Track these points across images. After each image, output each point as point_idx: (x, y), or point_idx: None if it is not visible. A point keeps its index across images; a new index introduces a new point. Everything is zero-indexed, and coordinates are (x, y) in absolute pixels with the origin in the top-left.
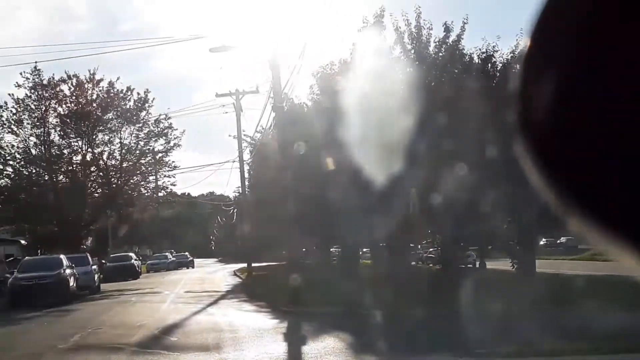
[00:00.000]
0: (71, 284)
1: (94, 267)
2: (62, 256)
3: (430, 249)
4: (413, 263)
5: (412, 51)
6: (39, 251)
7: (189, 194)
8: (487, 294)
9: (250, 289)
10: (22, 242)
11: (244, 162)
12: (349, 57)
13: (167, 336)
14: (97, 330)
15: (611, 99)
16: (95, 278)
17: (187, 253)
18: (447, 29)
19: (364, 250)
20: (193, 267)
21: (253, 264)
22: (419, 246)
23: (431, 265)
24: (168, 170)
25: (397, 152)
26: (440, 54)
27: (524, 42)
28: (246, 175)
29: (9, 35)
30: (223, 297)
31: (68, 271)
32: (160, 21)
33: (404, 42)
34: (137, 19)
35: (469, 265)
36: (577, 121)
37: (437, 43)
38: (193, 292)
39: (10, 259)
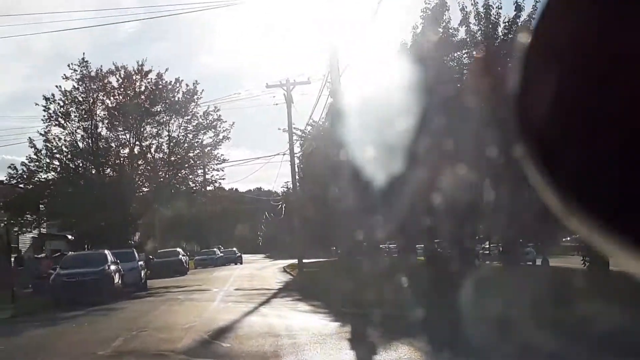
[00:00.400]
0: (116, 280)
1: (141, 263)
2: (106, 251)
3: (486, 245)
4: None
5: (479, 32)
6: (85, 246)
7: (236, 189)
8: (568, 293)
9: (302, 287)
10: (69, 237)
11: (294, 156)
12: (410, 40)
13: (218, 341)
14: (141, 332)
15: (613, 99)
16: (142, 274)
17: (235, 249)
18: (518, 8)
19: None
20: (241, 263)
21: (303, 260)
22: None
23: (487, 262)
24: (216, 164)
25: (465, 144)
26: (510, 35)
27: (524, 40)
28: (296, 169)
29: (59, 32)
30: (275, 296)
31: (113, 267)
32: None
33: (470, 23)
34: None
35: (528, 263)
36: (577, 121)
37: (507, 23)
38: (243, 290)
39: (56, 254)
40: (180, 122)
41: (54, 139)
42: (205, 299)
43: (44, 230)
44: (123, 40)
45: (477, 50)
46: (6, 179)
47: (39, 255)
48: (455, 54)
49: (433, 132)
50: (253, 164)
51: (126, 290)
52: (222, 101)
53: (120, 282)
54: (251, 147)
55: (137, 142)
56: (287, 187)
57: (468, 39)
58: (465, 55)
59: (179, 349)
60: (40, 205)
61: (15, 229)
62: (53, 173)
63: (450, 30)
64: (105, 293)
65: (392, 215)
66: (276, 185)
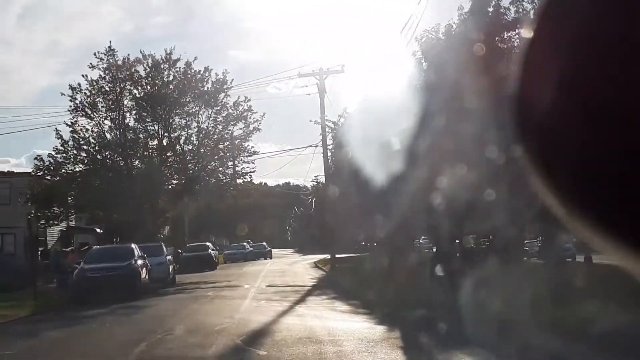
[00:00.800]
0: (143, 276)
1: (169, 257)
2: (133, 245)
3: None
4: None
5: (532, 11)
6: (114, 240)
7: (265, 183)
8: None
9: (337, 284)
10: (98, 230)
11: (327, 148)
12: (457, 20)
13: (253, 348)
14: (167, 336)
15: (614, 99)
16: (170, 269)
17: (264, 243)
18: None
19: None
20: (271, 257)
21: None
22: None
23: (525, 258)
24: (247, 156)
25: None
26: None
27: (524, 40)
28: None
29: (90, 30)
30: (310, 293)
31: (140, 262)
32: (240, 12)
33: (523, 1)
34: (215, 11)
35: (568, 260)
36: (577, 121)
37: None
38: (275, 287)
39: (84, 248)
40: (210, 112)
41: (80, 130)
42: (237, 297)
43: (72, 224)
44: (153, 36)
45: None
46: (33, 171)
47: (67, 249)
48: (506, 35)
49: (482, 115)
50: (282, 156)
51: (153, 286)
52: (249, 88)
53: (147, 277)
54: (278, 141)
55: (165, 134)
56: (317, 181)
57: (520, 18)
58: (517, 36)
59: (209, 357)
60: (68, 198)
61: (42, 221)
62: (80, 165)
63: (501, 10)
64: (132, 289)
65: (429, 210)
66: (306, 179)
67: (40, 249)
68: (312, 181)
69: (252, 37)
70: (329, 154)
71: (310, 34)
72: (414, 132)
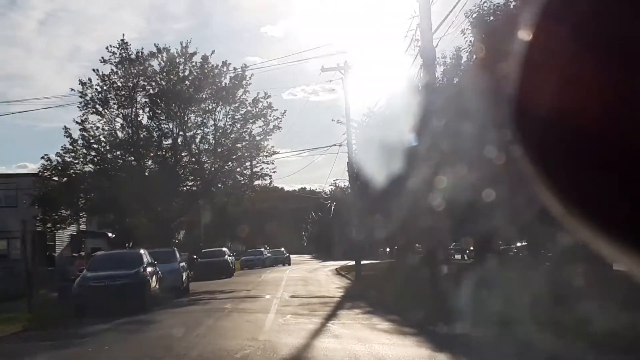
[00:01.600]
0: (153, 285)
1: (182, 264)
2: (142, 251)
3: None
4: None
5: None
6: (126, 245)
7: (282, 188)
8: None
9: (369, 295)
10: (110, 235)
11: (352, 146)
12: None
13: None
14: None
15: (613, 100)
16: (184, 277)
17: (283, 249)
18: None
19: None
20: (289, 263)
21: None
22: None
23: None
24: (266, 156)
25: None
26: None
27: (523, 42)
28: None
29: (108, 35)
30: (340, 306)
31: (149, 269)
32: (258, 18)
33: None
34: (231, 17)
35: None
36: (577, 122)
37: None
38: (300, 298)
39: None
40: (227, 110)
41: (91, 127)
42: (258, 310)
43: (82, 227)
44: (170, 41)
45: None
46: (40, 171)
47: (75, 255)
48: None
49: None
50: (299, 161)
51: (165, 296)
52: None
53: (157, 286)
54: (297, 145)
55: (180, 132)
56: (336, 186)
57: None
58: None
59: None
60: (77, 200)
61: (49, 225)
62: (90, 165)
63: None
64: (139, 301)
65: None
66: (323, 184)
67: (47, 253)
68: (331, 185)
69: (270, 43)
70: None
71: (328, 40)
72: (451, 130)
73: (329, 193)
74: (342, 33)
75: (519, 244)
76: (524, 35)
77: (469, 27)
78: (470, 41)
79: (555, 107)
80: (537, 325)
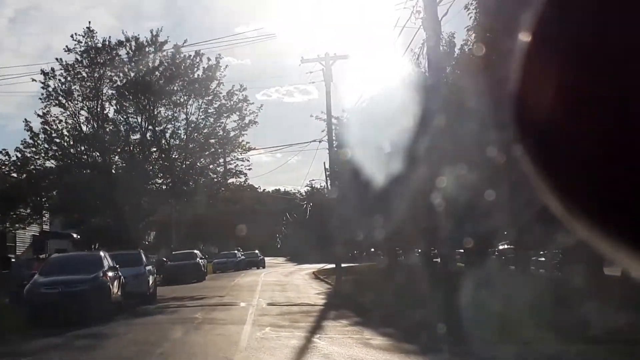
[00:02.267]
0: (114, 291)
1: (149, 267)
2: (102, 253)
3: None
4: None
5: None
6: (93, 246)
7: (258, 187)
8: None
9: (353, 302)
10: (75, 235)
11: (333, 143)
12: None
13: None
14: None
15: (613, 99)
16: (150, 282)
17: (257, 251)
18: None
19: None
20: (264, 266)
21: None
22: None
23: (542, 270)
24: (241, 152)
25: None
26: None
27: (523, 39)
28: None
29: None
30: (324, 316)
31: (110, 274)
32: (232, 18)
33: None
34: (205, 16)
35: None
36: (578, 121)
37: None
38: (279, 305)
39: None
40: (200, 103)
41: (53, 121)
42: (233, 321)
43: (46, 228)
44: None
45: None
46: None
47: (37, 257)
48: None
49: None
50: (275, 158)
51: (128, 303)
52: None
53: (119, 292)
54: (271, 149)
55: (149, 127)
56: (312, 186)
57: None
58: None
59: None
60: (38, 198)
61: (7, 224)
62: (52, 160)
63: None
64: (98, 309)
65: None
66: (301, 186)
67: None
68: (307, 186)
69: (245, 43)
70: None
71: (305, 41)
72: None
73: (304, 194)
74: (319, 33)
75: (501, 247)
76: (525, 35)
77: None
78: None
79: (558, 106)
80: (563, 343)
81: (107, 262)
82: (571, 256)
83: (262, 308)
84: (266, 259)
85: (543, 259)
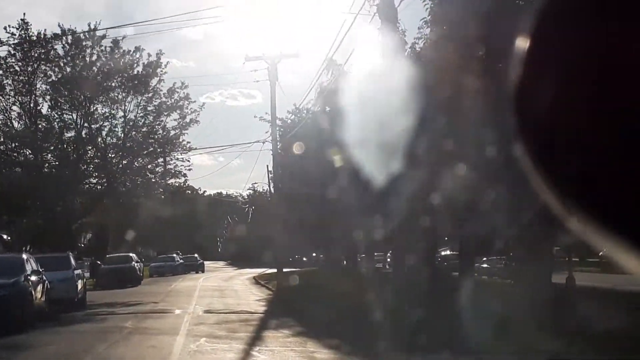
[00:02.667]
0: (37, 296)
1: (78, 271)
2: (24, 256)
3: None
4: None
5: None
6: (24, 248)
7: (199, 189)
8: None
9: (296, 309)
10: (5, 237)
11: (277, 144)
12: None
13: None
14: None
15: (612, 99)
16: (79, 287)
17: (196, 255)
18: None
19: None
20: (203, 271)
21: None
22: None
23: (496, 278)
24: (181, 152)
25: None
26: None
27: (523, 42)
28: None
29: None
30: (265, 325)
31: (33, 278)
32: (176, 20)
33: None
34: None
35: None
36: (577, 121)
37: None
38: (216, 313)
39: None
40: (139, 100)
41: None
42: (165, 330)
43: None
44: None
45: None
46: None
47: None
48: None
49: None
50: (217, 161)
51: (54, 310)
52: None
53: (43, 298)
54: (213, 153)
55: (85, 124)
56: (254, 189)
57: None
58: None
59: None
60: None
61: None
62: None
63: None
64: (18, 317)
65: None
66: (242, 189)
67: None
68: (250, 189)
69: (188, 45)
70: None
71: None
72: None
73: (246, 197)
74: (267, 35)
75: (444, 252)
76: (523, 38)
77: None
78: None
79: (556, 104)
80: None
81: (30, 265)
82: (519, 263)
83: (199, 316)
84: (206, 263)
85: (486, 265)
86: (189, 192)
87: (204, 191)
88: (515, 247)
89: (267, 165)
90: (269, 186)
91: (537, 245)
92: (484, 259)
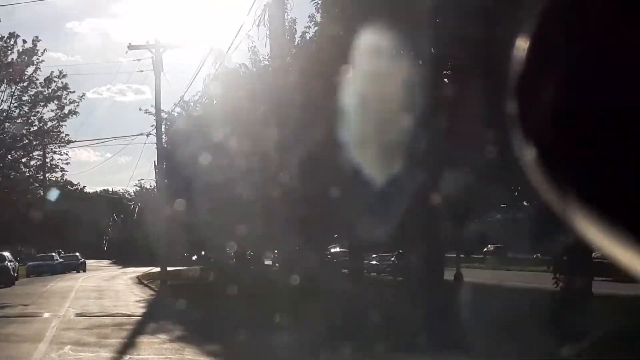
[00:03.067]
0: None
1: None
2: None
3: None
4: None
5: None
6: None
7: (84, 187)
8: None
9: (177, 311)
10: None
11: (162, 138)
12: None
13: None
14: None
15: (612, 97)
16: None
17: (77, 254)
18: None
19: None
20: (84, 270)
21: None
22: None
23: (387, 275)
24: (59, 146)
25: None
26: None
27: (525, 41)
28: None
29: None
30: (142, 330)
31: None
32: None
33: None
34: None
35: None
36: (578, 120)
37: None
38: (89, 316)
39: None
40: (14, 89)
41: None
42: (28, 338)
43: None
44: None
45: None
46: None
47: None
48: None
49: None
50: (103, 157)
51: None
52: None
53: None
54: (100, 146)
55: None
56: (141, 186)
57: None
58: None
59: None
60: None
61: None
62: None
63: None
64: None
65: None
66: (127, 185)
67: None
68: (136, 185)
69: (74, 39)
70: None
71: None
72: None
73: (133, 194)
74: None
75: (333, 250)
76: (523, 38)
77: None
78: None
79: (557, 107)
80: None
81: None
82: (409, 259)
83: (69, 320)
84: (90, 261)
85: (376, 262)
86: (69, 187)
87: (92, 190)
88: (405, 243)
89: (154, 161)
90: (156, 182)
91: (427, 241)
92: (374, 255)
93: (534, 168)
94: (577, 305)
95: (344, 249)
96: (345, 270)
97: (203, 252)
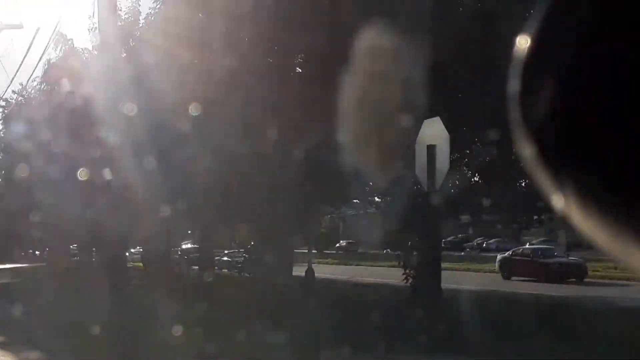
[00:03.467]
0: None
1: None
2: None
3: (230, 252)
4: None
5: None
6: None
7: None
8: None
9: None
10: None
11: None
12: None
13: None
14: None
15: (613, 97)
16: None
17: None
18: None
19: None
20: None
21: None
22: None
23: (237, 272)
24: None
25: None
26: None
27: (525, 41)
28: None
29: None
30: None
31: None
32: None
33: None
34: None
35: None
36: (578, 120)
37: None
38: None
39: None
40: None
41: None
42: None
43: None
44: None
45: None
46: None
47: None
48: None
49: None
50: None
51: None
52: None
53: None
54: None
55: None
56: None
57: None
58: None
59: None
60: None
61: None
62: None
63: None
64: None
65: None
66: None
67: None
68: None
69: None
70: None
71: None
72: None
73: None
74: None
75: (184, 246)
76: (524, 38)
77: None
78: None
79: (557, 108)
80: None
81: None
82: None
83: None
84: None
85: (227, 258)
86: None
87: None
88: (256, 240)
89: None
90: None
91: (277, 238)
92: (225, 252)
93: (534, 167)
94: (424, 301)
95: (195, 245)
96: (196, 267)
97: (47, 248)
